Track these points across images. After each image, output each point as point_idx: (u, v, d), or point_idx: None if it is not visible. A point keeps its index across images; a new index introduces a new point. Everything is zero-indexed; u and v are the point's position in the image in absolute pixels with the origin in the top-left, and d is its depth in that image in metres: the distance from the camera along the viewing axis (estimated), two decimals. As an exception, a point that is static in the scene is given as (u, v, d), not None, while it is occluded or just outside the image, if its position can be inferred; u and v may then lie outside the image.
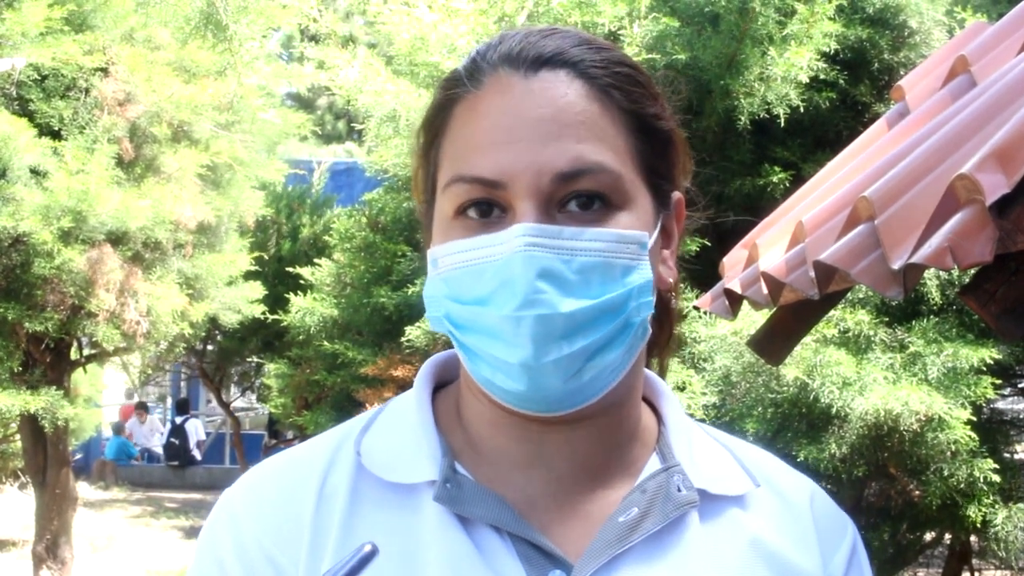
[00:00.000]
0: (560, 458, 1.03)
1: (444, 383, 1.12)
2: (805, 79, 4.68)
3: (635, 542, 0.99)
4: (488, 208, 0.98)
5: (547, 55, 1.00)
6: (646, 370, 1.13)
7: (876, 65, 5.23)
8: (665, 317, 1.14)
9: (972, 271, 1.95)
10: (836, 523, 1.10)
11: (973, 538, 5.27)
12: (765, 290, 2.30)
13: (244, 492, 1.05)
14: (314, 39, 6.42)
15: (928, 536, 5.45)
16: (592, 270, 0.95)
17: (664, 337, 1.16)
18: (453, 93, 1.02)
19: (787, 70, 4.61)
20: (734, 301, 2.60)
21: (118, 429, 18.95)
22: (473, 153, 0.98)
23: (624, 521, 1.00)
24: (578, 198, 0.96)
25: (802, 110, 4.73)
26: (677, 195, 1.08)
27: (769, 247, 2.44)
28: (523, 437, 1.03)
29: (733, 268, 2.66)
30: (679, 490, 1.02)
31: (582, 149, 0.96)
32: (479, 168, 0.97)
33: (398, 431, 1.06)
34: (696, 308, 2.87)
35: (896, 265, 1.64)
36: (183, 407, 18.79)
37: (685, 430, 1.10)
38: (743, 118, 4.68)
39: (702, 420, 1.15)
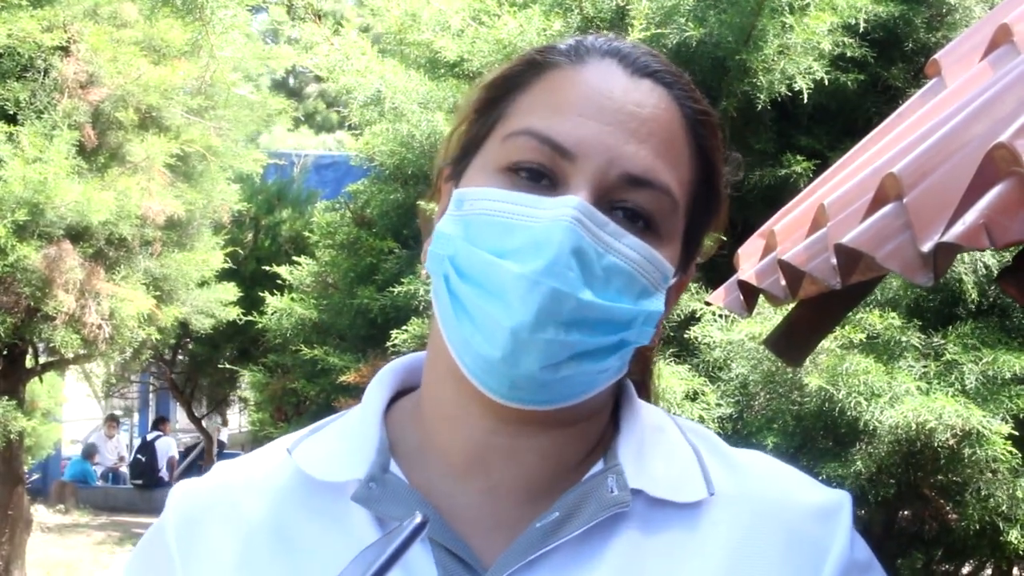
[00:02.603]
0: (502, 468, 1.05)
1: (410, 389, 1.16)
2: (828, 45, 4.66)
3: (552, 547, 1.00)
4: (539, 176, 1.02)
5: (654, 69, 1.07)
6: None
7: (910, 45, 5.21)
8: (642, 355, 1.18)
9: (1011, 254, 1.92)
10: (820, 544, 1.05)
11: (1016, 571, 5.22)
12: (783, 281, 2.27)
13: (186, 500, 1.12)
14: (303, 19, 6.42)
15: (967, 567, 5.39)
16: (617, 275, 1.00)
17: (645, 374, 1.21)
18: (550, 58, 1.08)
19: (808, 38, 4.59)
20: (749, 295, 2.56)
21: (88, 452, 18.83)
22: (554, 115, 1.03)
23: (541, 526, 1.01)
24: (627, 210, 1.02)
25: (827, 82, 4.71)
26: (692, 268, 1.13)
27: (788, 234, 2.40)
28: (469, 438, 1.05)
29: (749, 259, 2.63)
30: (611, 491, 1.03)
31: (658, 165, 1.02)
32: (555, 130, 1.01)
33: (340, 431, 1.12)
34: (708, 304, 2.84)
35: (926, 247, 1.61)
36: (158, 425, 18.72)
37: (639, 432, 1.10)
38: (762, 96, 4.66)
39: (717, 433, 1.12)
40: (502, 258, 0.98)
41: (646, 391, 1.20)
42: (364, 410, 1.11)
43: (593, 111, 1.02)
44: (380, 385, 1.14)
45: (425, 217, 1.17)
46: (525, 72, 1.08)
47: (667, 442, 1.10)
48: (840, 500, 1.09)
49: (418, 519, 0.89)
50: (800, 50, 4.65)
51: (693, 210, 1.08)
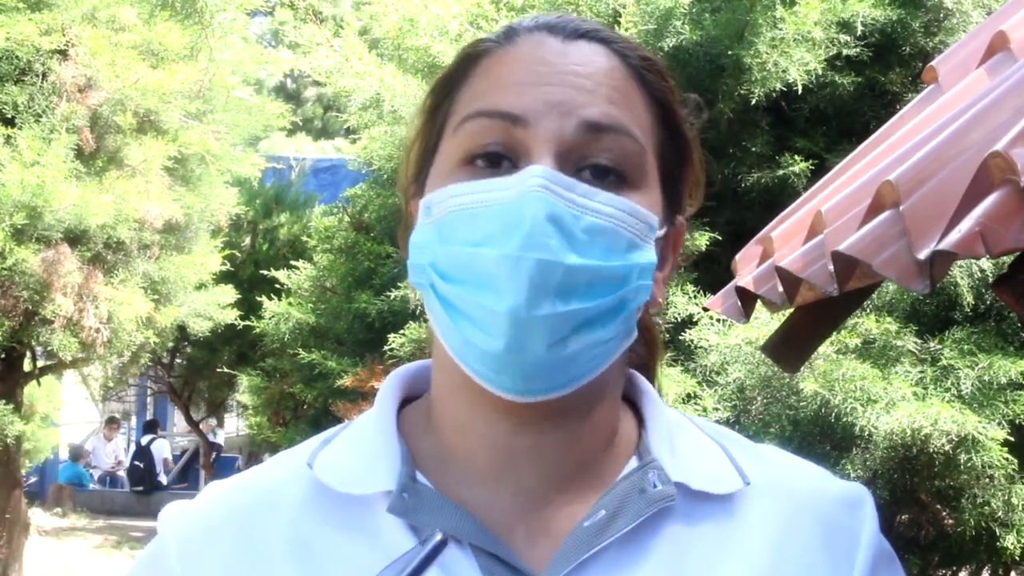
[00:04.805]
0: (529, 468, 1.03)
1: (415, 397, 1.13)
2: (819, 34, 4.66)
3: (602, 545, 0.98)
4: (498, 159, 0.99)
5: (584, 29, 1.06)
6: (629, 369, 1.13)
7: (908, 50, 5.21)
8: (649, 337, 1.17)
9: (1007, 261, 1.92)
10: (852, 533, 1.06)
11: (1013, 574, 5.22)
12: (780, 288, 2.27)
13: (185, 521, 1.07)
14: (303, 21, 6.43)
15: (963, 572, 5.39)
16: (599, 233, 0.96)
17: (652, 360, 1.19)
18: (481, 47, 1.07)
19: (798, 28, 4.59)
20: (747, 302, 2.56)
21: (76, 454, 18.78)
22: (497, 90, 1.01)
23: (589, 525, 0.99)
24: (594, 168, 0.99)
25: (821, 76, 4.70)
26: (680, 219, 1.11)
27: (785, 241, 2.40)
28: (492, 444, 1.03)
29: (746, 265, 2.63)
30: (654, 486, 1.02)
31: (613, 109, 1.00)
32: (502, 102, 1.00)
33: (357, 442, 1.07)
34: (706, 310, 2.84)
35: (922, 254, 1.61)
36: (151, 428, 18.71)
37: (667, 427, 1.09)
38: (757, 91, 4.65)
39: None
40: (479, 246, 0.95)
41: (651, 374, 1.18)
42: (378, 419, 1.08)
43: (533, 78, 1.00)
44: (389, 393, 1.11)
45: (402, 225, 1.13)
46: (462, 68, 1.07)
47: (692, 436, 1.10)
48: (862, 491, 1.09)
49: (438, 537, 0.88)
50: (792, 42, 4.64)
51: (663, 155, 1.06)
